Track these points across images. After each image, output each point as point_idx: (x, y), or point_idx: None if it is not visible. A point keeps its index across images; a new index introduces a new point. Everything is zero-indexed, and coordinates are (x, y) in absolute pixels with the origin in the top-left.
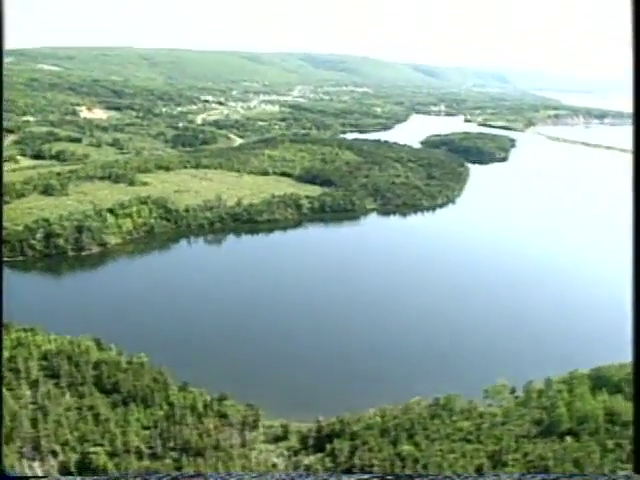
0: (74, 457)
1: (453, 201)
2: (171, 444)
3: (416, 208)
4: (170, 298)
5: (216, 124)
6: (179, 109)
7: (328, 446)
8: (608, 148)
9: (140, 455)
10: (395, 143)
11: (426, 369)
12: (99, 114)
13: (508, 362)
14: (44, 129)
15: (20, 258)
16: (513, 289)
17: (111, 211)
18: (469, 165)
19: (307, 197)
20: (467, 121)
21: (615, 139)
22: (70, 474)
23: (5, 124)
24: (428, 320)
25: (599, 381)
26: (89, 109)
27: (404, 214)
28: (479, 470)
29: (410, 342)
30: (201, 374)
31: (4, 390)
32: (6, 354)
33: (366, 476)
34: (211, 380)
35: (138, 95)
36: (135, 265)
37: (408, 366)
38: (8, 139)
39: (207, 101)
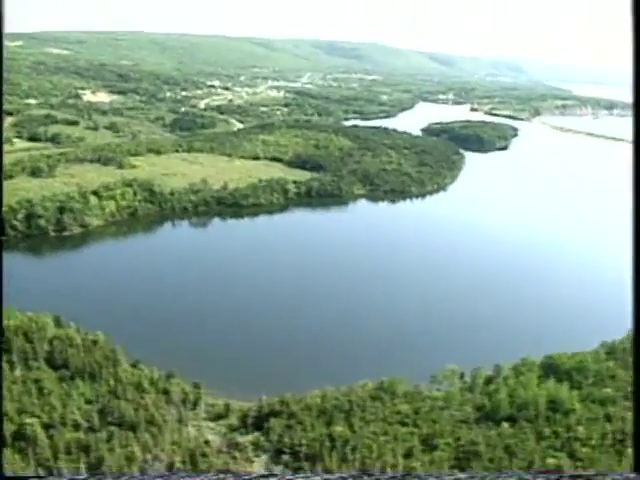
0: (11, 427)
1: (444, 188)
2: (109, 419)
3: (405, 195)
4: (146, 279)
5: (218, 109)
6: (184, 94)
7: (265, 425)
8: (612, 139)
9: (76, 428)
10: (394, 130)
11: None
12: (103, 98)
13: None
14: (43, 112)
15: (2, 238)
16: (487, 275)
17: (95, 193)
18: (469, 153)
19: (294, 182)
20: (473, 110)
21: (621, 130)
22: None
23: (7, 107)
24: (406, 305)
25: (549, 369)
26: (93, 93)
27: (393, 200)
28: (409, 453)
29: (383, 327)
30: (179, 355)
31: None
32: None
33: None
34: (193, 363)
35: (144, 79)
36: (116, 246)
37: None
38: (7, 121)
39: (213, 86)
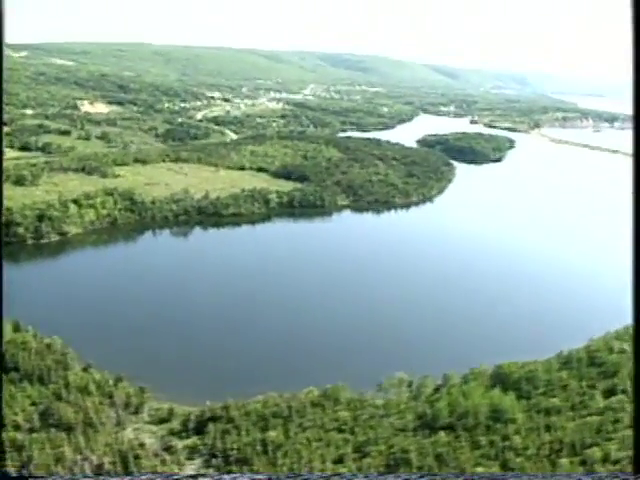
0: None
1: (431, 199)
2: (49, 420)
3: (389, 205)
4: (117, 286)
5: (214, 120)
6: (182, 105)
7: (204, 429)
8: (608, 151)
9: (16, 429)
10: (387, 141)
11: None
12: (100, 108)
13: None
14: (37, 122)
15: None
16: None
17: (75, 202)
18: (462, 164)
19: (276, 192)
20: (473, 122)
21: (619, 142)
22: None
23: (4, 116)
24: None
25: (497, 378)
26: (91, 103)
27: (377, 211)
28: (340, 459)
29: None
30: (143, 360)
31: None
32: None
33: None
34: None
35: (143, 90)
36: (94, 254)
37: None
38: None
39: (212, 98)
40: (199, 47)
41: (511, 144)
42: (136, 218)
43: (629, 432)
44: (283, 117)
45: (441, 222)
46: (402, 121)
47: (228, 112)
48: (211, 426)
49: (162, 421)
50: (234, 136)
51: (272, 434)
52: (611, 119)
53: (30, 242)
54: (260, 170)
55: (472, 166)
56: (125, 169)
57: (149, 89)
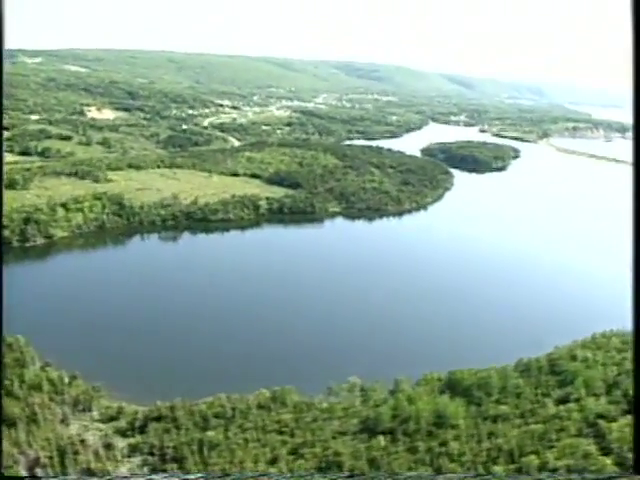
0: None
1: (425, 207)
2: None
3: (381, 213)
4: (100, 289)
5: (220, 127)
6: (190, 112)
7: (147, 428)
8: (614, 161)
9: None
10: (388, 149)
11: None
12: (107, 114)
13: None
14: (39, 127)
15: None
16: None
17: (63, 205)
18: (463, 173)
19: (267, 198)
20: (482, 131)
21: (627, 152)
22: None
23: (6, 122)
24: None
25: (448, 385)
26: (98, 109)
27: (369, 218)
28: (274, 460)
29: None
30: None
31: None
32: None
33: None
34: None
35: (152, 97)
36: (80, 258)
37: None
38: None
39: (221, 105)
40: (213, 55)
41: (516, 153)
42: (124, 222)
43: (572, 441)
44: (289, 125)
45: (433, 229)
46: (410, 130)
47: (234, 119)
48: (154, 424)
49: (110, 419)
50: (237, 143)
51: (211, 434)
52: (622, 129)
53: (16, 245)
54: (253, 176)
55: (473, 175)
56: (119, 174)
57: (158, 96)
